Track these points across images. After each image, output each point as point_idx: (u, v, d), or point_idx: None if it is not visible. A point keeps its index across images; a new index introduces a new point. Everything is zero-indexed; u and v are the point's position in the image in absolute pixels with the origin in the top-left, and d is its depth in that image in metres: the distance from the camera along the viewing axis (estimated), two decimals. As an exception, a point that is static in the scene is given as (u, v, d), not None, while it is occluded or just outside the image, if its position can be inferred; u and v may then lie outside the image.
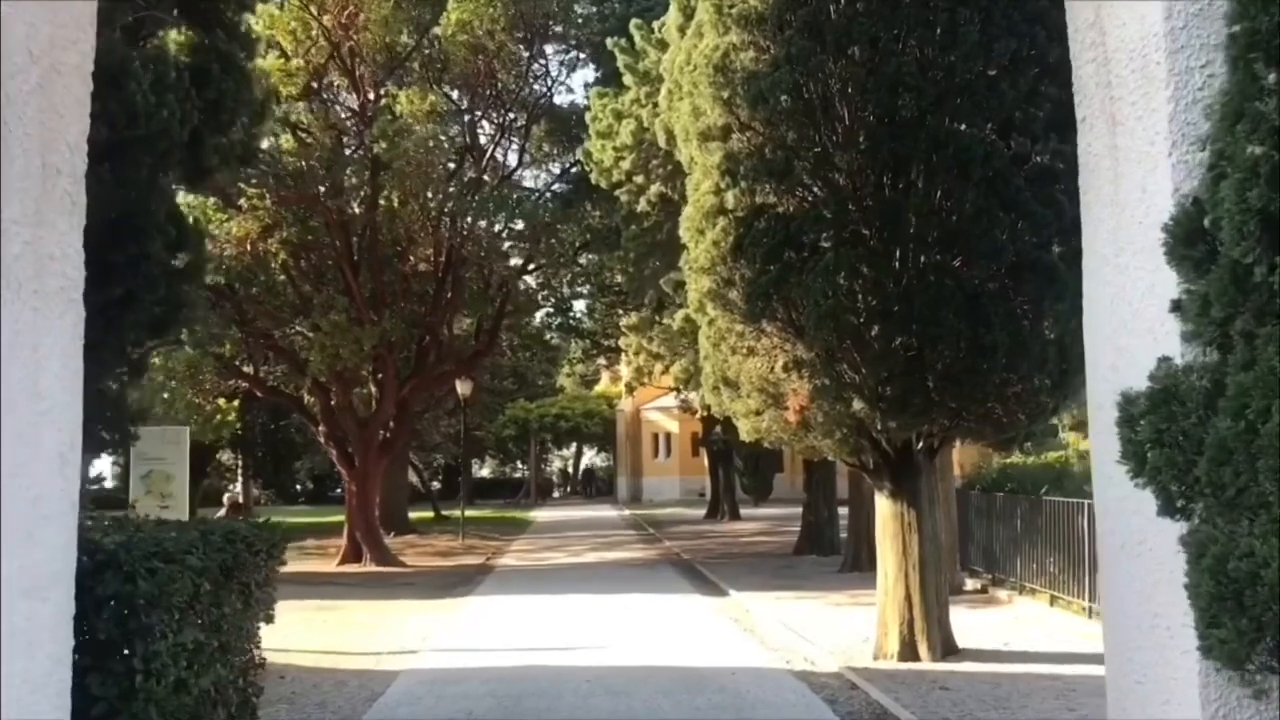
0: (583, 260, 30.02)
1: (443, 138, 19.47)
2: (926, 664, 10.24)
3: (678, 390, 41.85)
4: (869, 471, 11.04)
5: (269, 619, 6.69)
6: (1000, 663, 10.29)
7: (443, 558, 25.56)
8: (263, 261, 21.39)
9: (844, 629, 12.55)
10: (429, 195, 20.48)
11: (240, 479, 50.11)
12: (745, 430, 11.11)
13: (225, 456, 51.21)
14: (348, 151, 20.81)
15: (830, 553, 21.88)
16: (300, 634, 13.55)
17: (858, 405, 9.91)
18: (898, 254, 9.87)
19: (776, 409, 10.55)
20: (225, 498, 33.81)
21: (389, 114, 18.75)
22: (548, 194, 25.54)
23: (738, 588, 16.95)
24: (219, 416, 24.58)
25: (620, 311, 34.63)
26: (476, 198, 21.63)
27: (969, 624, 11.56)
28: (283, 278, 21.95)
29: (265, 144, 19.94)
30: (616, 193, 18.05)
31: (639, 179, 17.28)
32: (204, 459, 39.10)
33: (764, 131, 10.15)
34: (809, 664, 10.72)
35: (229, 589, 5.93)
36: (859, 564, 19.38)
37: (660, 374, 20.70)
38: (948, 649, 10.66)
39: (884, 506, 10.87)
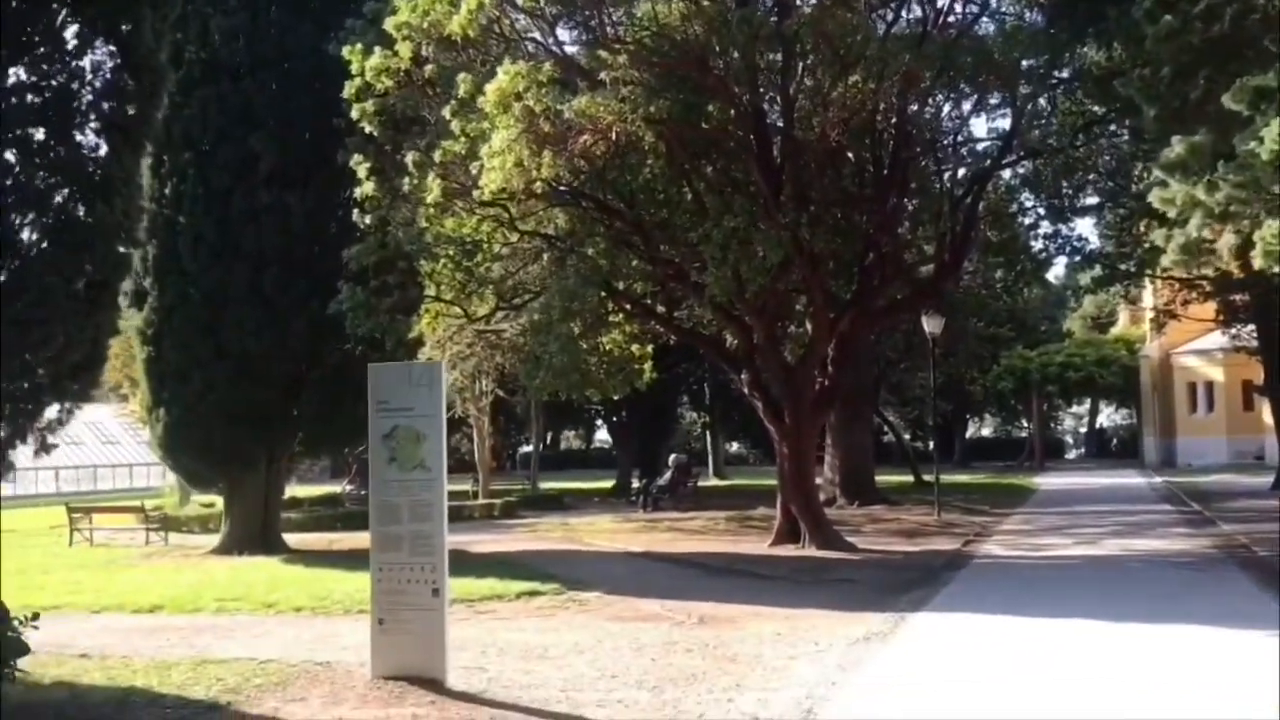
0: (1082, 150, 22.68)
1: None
2: None
3: (1225, 320, 32.20)
4: None
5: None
6: None
7: (907, 539, 19.96)
8: (662, 171, 17.03)
9: None
10: (858, 53, 14.75)
11: (709, 438, 47.74)
12: None
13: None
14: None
15: None
16: (627, 672, 8.76)
17: None
18: None
19: None
20: (671, 459, 30.72)
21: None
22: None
23: (1386, 626, 9.63)
24: (633, 365, 20.80)
25: (1142, 227, 26.48)
26: (922, 52, 15.55)
27: None
28: (684, 187, 17.41)
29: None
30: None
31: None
32: (661, 415, 36.54)
33: None
34: None
35: None
36: None
37: (1223, 264, 13.13)
38: None
39: None
